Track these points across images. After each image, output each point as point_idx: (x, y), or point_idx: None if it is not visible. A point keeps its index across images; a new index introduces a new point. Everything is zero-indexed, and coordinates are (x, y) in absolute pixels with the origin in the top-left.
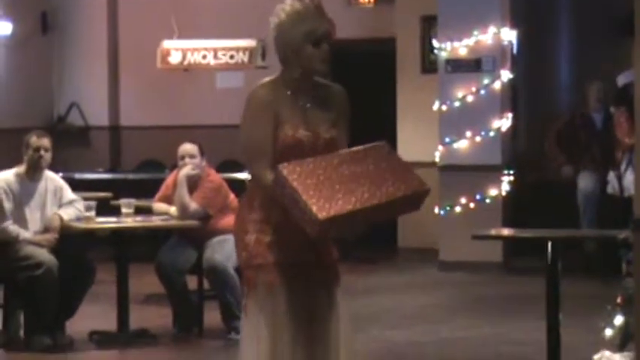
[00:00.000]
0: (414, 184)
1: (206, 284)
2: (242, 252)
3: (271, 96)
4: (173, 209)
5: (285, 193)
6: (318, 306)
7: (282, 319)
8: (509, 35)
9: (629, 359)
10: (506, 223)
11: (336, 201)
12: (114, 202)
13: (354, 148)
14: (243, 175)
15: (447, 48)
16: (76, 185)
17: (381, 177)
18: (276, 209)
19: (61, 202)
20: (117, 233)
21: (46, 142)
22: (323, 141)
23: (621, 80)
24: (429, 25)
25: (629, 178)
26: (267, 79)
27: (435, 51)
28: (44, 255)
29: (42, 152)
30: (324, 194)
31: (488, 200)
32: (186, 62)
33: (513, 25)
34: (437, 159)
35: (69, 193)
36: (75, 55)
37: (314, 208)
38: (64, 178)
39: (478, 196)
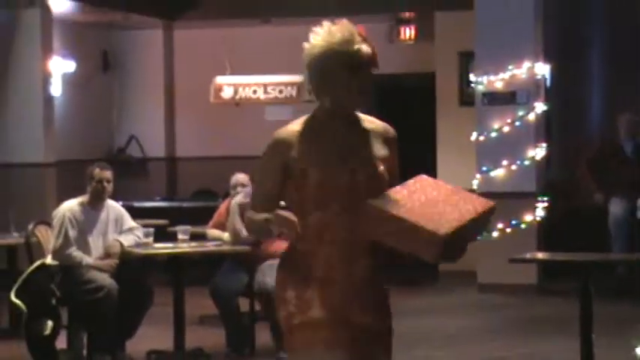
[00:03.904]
0: (481, 202)
1: (257, 306)
2: (281, 311)
3: (291, 136)
4: (226, 235)
5: (384, 229)
6: None
7: None
8: (543, 69)
9: None
10: (540, 248)
11: (439, 220)
12: (170, 229)
13: (407, 182)
14: None
15: (483, 82)
16: (135, 213)
17: (451, 200)
18: (318, 265)
19: (122, 229)
20: (173, 258)
21: (108, 174)
22: (363, 177)
23: None
24: (466, 61)
25: None
26: (300, 117)
27: (472, 85)
28: (105, 279)
29: (104, 183)
30: (427, 217)
31: (523, 225)
32: (237, 97)
33: (546, 60)
34: (475, 187)
35: (129, 221)
36: (133, 91)
37: (429, 227)
38: (123, 206)
39: (514, 222)
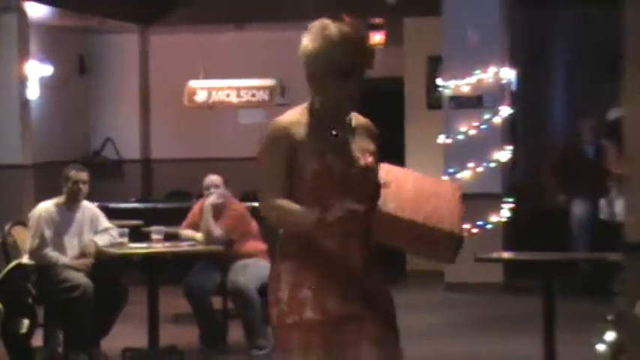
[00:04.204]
0: (448, 186)
1: (230, 304)
2: (274, 308)
3: (291, 126)
4: (199, 235)
5: (399, 234)
6: None
7: None
8: (509, 74)
9: None
10: (506, 247)
11: (451, 219)
12: (145, 229)
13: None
14: None
15: (450, 86)
16: (110, 214)
17: (431, 190)
18: (314, 259)
19: (97, 229)
20: (148, 258)
21: (84, 175)
22: (358, 169)
23: (611, 115)
24: (434, 65)
25: (618, 205)
26: (295, 108)
27: (440, 89)
28: (81, 278)
29: (80, 185)
30: (438, 217)
31: (489, 226)
32: (211, 100)
33: (512, 65)
34: None
35: (104, 222)
36: (109, 94)
37: (447, 229)
38: (99, 207)
39: (480, 222)
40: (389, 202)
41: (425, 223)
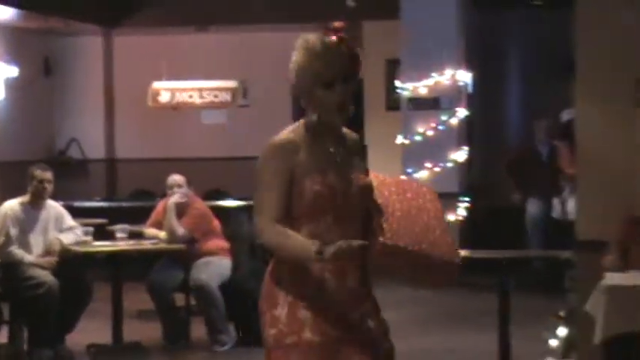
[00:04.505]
0: (425, 191)
1: (192, 301)
2: (270, 329)
3: (289, 145)
4: (163, 234)
5: (399, 263)
6: None
7: None
8: (465, 77)
9: None
10: (462, 245)
11: (445, 243)
12: (109, 228)
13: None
14: (227, 203)
15: (408, 88)
16: (75, 213)
17: (414, 202)
18: (310, 279)
19: (62, 228)
20: (112, 256)
21: (48, 174)
22: (357, 188)
23: (564, 117)
24: (392, 68)
25: (571, 204)
26: (290, 127)
27: (398, 91)
28: (46, 276)
29: (45, 184)
30: (433, 242)
31: None
32: (174, 101)
33: (468, 68)
34: None
35: (69, 220)
36: (74, 95)
37: (446, 258)
38: (64, 206)
39: None
40: (386, 231)
41: (423, 251)
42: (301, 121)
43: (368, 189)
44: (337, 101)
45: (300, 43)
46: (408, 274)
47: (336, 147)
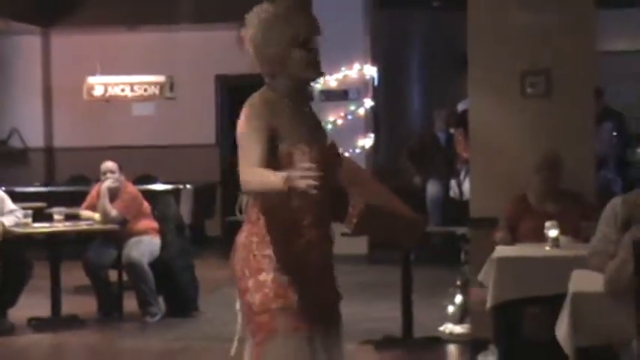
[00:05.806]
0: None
1: (125, 277)
2: (255, 293)
3: (268, 104)
4: (97, 215)
5: (376, 223)
6: (338, 354)
7: None
8: (371, 70)
9: (466, 330)
10: None
11: (401, 205)
12: (47, 211)
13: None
14: (155, 187)
15: (320, 81)
16: (16, 197)
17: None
18: (296, 242)
19: (3, 211)
20: (50, 236)
21: None
22: (332, 152)
23: (460, 107)
24: None
25: (466, 185)
26: (258, 92)
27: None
28: None
29: None
30: (398, 203)
31: None
32: (107, 95)
33: (374, 62)
34: None
35: (10, 204)
36: (14, 88)
37: (412, 215)
38: (5, 191)
39: None
40: (362, 194)
41: (395, 210)
42: (263, 89)
43: (338, 153)
44: (314, 58)
45: (257, 15)
46: (384, 234)
47: (309, 111)
